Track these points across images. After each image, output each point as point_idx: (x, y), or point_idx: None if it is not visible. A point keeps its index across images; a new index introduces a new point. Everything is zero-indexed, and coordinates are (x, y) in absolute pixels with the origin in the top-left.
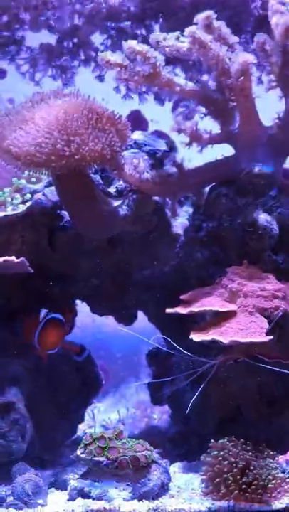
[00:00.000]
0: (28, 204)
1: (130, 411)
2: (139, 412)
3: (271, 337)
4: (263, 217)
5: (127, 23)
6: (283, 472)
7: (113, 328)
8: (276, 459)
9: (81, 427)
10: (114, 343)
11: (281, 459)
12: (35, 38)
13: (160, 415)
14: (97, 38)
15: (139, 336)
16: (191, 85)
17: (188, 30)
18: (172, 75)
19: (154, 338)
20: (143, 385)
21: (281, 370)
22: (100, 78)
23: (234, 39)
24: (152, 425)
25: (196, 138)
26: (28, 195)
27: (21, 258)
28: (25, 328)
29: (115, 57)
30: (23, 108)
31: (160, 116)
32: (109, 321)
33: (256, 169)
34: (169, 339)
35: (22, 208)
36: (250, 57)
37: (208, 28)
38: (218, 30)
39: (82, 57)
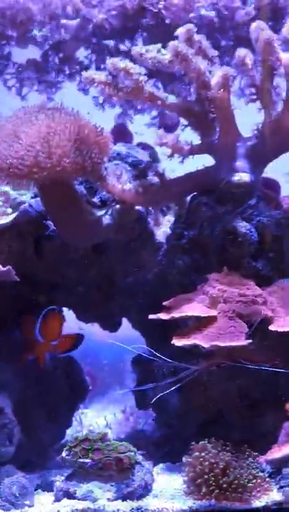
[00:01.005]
0: (15, 214)
1: (117, 416)
2: (125, 417)
3: (250, 341)
4: (242, 225)
5: (111, 41)
6: (263, 472)
7: (100, 336)
8: (256, 459)
9: (69, 432)
10: (101, 350)
11: (261, 458)
12: (22, 54)
13: (145, 419)
14: (82, 53)
15: (121, 345)
16: (172, 98)
17: (170, 43)
18: (154, 89)
19: (132, 347)
20: (129, 391)
21: (274, 369)
22: (85, 92)
23: (213, 52)
24: (138, 429)
25: (177, 150)
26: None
27: (7, 267)
28: (25, 327)
29: (99, 76)
30: (7, 122)
31: (144, 128)
32: (96, 329)
33: (235, 178)
34: (150, 349)
35: (9, 218)
36: (230, 71)
37: (188, 41)
38: (198, 43)
39: (68, 72)
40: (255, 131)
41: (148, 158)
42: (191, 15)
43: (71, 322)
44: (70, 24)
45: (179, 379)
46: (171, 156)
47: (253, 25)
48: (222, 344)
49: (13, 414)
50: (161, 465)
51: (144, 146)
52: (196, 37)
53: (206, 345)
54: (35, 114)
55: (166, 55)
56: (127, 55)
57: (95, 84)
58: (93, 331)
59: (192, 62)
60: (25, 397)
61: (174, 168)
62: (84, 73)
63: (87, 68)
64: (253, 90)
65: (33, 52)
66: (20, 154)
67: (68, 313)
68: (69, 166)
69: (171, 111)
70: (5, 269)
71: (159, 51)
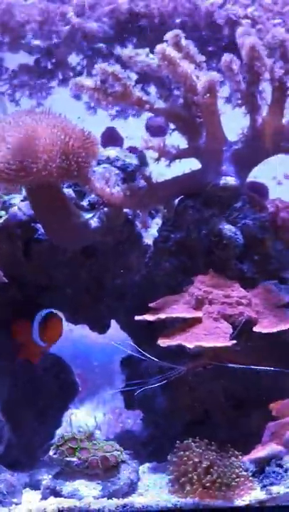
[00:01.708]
0: (4, 217)
1: (106, 417)
2: (115, 418)
3: (234, 341)
4: (228, 228)
5: (102, 44)
6: (246, 471)
7: (91, 339)
8: (240, 458)
9: (58, 432)
10: (92, 352)
11: (245, 458)
12: (14, 59)
13: (134, 419)
14: (74, 59)
15: (114, 344)
16: (160, 103)
17: (158, 47)
18: (142, 94)
19: (118, 344)
20: (118, 392)
21: (260, 368)
22: (77, 97)
23: (201, 58)
24: (127, 429)
25: (164, 153)
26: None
27: None
28: (18, 330)
29: (89, 82)
30: None
31: (136, 131)
32: (87, 332)
33: (221, 182)
34: (137, 347)
35: None
36: (217, 76)
37: (176, 46)
38: (186, 48)
39: (60, 77)
40: (241, 136)
41: (136, 161)
42: (178, 20)
43: None
44: (62, 30)
45: (165, 378)
46: (158, 159)
47: (239, 30)
48: (206, 344)
49: (3, 414)
50: (147, 464)
51: (133, 149)
52: (184, 42)
53: (190, 345)
54: (22, 119)
55: (154, 59)
56: (119, 60)
57: (85, 90)
58: (84, 333)
59: (179, 66)
60: (15, 398)
61: (163, 172)
62: (73, 80)
63: (80, 74)
64: (239, 95)
65: (25, 58)
66: (7, 158)
67: None
68: (55, 171)
69: (159, 115)
70: None
71: (147, 55)
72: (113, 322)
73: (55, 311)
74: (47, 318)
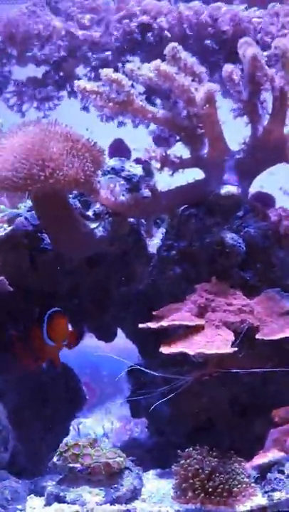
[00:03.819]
0: (10, 227)
1: (114, 425)
2: (122, 426)
3: (235, 348)
4: (230, 236)
5: (108, 52)
6: (249, 477)
7: (102, 349)
8: (242, 464)
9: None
10: (102, 362)
11: (247, 464)
12: (22, 71)
13: (141, 427)
14: (81, 71)
15: (117, 358)
16: (162, 113)
17: (152, 64)
18: (145, 103)
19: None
20: (126, 400)
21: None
22: (86, 109)
23: (201, 69)
24: (133, 437)
25: (166, 163)
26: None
27: (1, 278)
28: (33, 336)
29: (91, 85)
30: (2, 136)
31: (144, 143)
32: (98, 343)
33: (224, 191)
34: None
35: (4, 231)
36: (214, 86)
37: (174, 58)
38: (183, 61)
39: (68, 89)
40: (243, 145)
41: (141, 172)
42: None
43: None
44: (68, 42)
45: (172, 389)
46: (160, 169)
47: (241, 40)
48: (208, 352)
49: (9, 421)
50: (151, 471)
51: (139, 161)
52: (183, 54)
53: (192, 352)
54: (30, 128)
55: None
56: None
57: (87, 93)
58: (95, 343)
59: (175, 80)
60: (22, 406)
61: (170, 181)
62: (76, 82)
63: None
64: (240, 105)
65: (33, 70)
66: (14, 167)
67: None
68: (62, 179)
69: (161, 125)
70: None
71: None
72: (120, 331)
73: (58, 309)
74: (52, 318)
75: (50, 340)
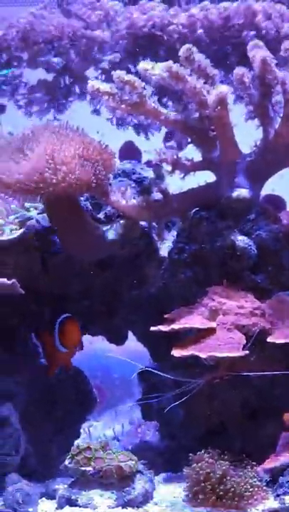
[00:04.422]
0: (22, 230)
1: (125, 428)
2: (133, 428)
3: (247, 351)
4: (241, 239)
5: (117, 54)
6: (260, 481)
7: (114, 352)
8: (254, 468)
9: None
10: (113, 365)
11: (259, 468)
12: (32, 74)
13: (153, 430)
14: (92, 73)
15: (128, 360)
16: (174, 114)
17: (163, 64)
18: (157, 105)
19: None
20: (137, 403)
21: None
22: (96, 112)
23: (214, 71)
24: (145, 440)
25: (177, 166)
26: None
27: (12, 280)
28: (46, 341)
29: (104, 86)
30: (14, 140)
31: (155, 145)
32: (111, 347)
33: (235, 194)
34: (153, 369)
35: (16, 233)
36: (226, 89)
37: (187, 59)
38: (197, 62)
39: (78, 92)
40: (254, 148)
41: (152, 175)
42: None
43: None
44: (78, 44)
45: (184, 392)
46: (171, 172)
47: (251, 43)
48: (219, 355)
49: (20, 424)
50: (163, 474)
51: (150, 164)
52: (196, 56)
53: (203, 355)
54: (41, 132)
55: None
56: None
57: (100, 94)
58: (107, 347)
59: (187, 82)
60: (33, 408)
61: (181, 185)
62: (90, 81)
63: None
64: (251, 108)
65: (43, 73)
66: (26, 170)
67: None
68: (74, 182)
69: (173, 127)
70: (10, 282)
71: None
72: (130, 334)
73: (70, 315)
74: (64, 324)
75: (63, 347)
